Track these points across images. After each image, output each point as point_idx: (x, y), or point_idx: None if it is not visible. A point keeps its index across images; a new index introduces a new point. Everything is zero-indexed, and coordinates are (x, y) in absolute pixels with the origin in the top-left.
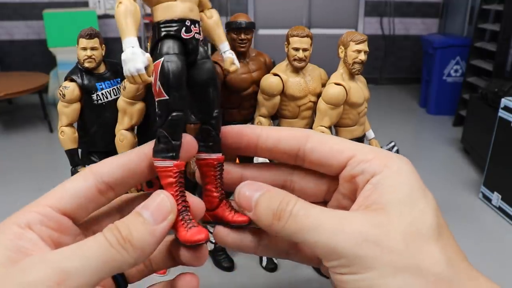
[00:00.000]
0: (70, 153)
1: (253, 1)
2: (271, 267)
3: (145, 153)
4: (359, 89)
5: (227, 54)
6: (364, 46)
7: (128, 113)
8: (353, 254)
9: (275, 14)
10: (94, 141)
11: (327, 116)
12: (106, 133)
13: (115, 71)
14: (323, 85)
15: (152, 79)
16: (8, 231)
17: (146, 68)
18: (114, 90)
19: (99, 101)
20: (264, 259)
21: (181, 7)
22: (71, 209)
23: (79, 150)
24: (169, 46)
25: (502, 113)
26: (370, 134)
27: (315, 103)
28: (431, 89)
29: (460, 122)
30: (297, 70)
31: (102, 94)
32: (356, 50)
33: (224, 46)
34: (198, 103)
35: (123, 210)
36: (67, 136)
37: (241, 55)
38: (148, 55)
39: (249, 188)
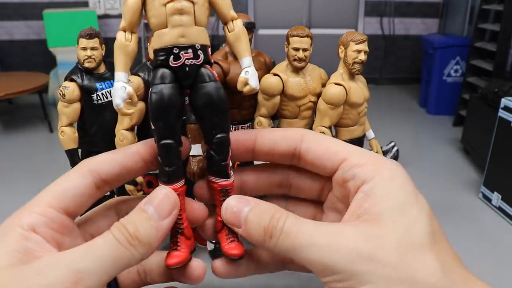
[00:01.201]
0: (70, 153)
1: (253, 1)
2: None
3: (140, 152)
4: (359, 89)
5: (242, 74)
6: (364, 46)
7: None
8: (347, 270)
9: (275, 14)
10: (94, 141)
11: (327, 116)
12: (106, 133)
13: None
14: (323, 85)
15: (130, 111)
16: (13, 232)
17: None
18: None
19: (99, 101)
20: None
21: (169, 35)
22: (72, 208)
23: (79, 150)
24: (158, 75)
25: (502, 113)
26: (370, 134)
27: (315, 103)
28: (431, 89)
29: (460, 122)
30: (297, 70)
31: (102, 94)
32: (356, 50)
33: (243, 62)
34: (201, 126)
35: (119, 210)
36: (67, 136)
37: None
38: (129, 89)
39: (237, 202)
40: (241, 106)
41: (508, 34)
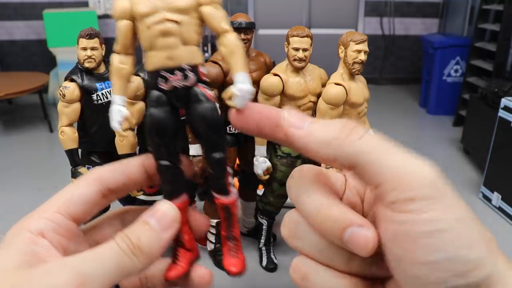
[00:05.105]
0: (71, 153)
1: (253, 1)
2: (271, 267)
3: (144, 165)
4: (359, 89)
5: (231, 88)
6: (364, 46)
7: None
8: (438, 186)
9: (275, 14)
10: (94, 141)
11: (327, 116)
12: (106, 133)
13: None
14: (323, 85)
15: (127, 133)
16: (22, 236)
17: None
18: None
19: (99, 101)
20: (264, 259)
21: (156, 57)
22: (78, 214)
23: (79, 150)
24: (150, 98)
25: (502, 113)
26: None
27: (315, 103)
28: (431, 89)
29: (460, 122)
30: (297, 70)
31: (102, 94)
32: (356, 50)
33: (235, 78)
34: (200, 144)
35: (125, 220)
36: (67, 136)
37: None
38: (124, 112)
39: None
40: None
41: (508, 34)
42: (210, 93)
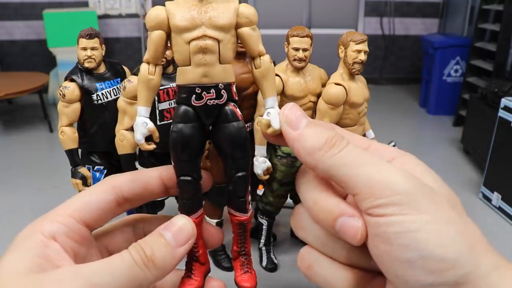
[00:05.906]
0: (71, 153)
1: (253, 1)
2: (271, 267)
3: (162, 177)
4: (359, 89)
5: (264, 115)
6: (364, 46)
7: (128, 113)
8: (412, 192)
9: (275, 14)
10: (94, 141)
11: (327, 116)
12: (106, 133)
13: (115, 71)
14: (323, 85)
15: (151, 147)
16: (35, 238)
17: (152, 133)
18: (114, 90)
19: (99, 101)
20: (264, 259)
21: (192, 73)
22: (92, 220)
23: (79, 150)
24: (179, 113)
25: (502, 113)
26: (370, 134)
27: (315, 103)
28: (431, 89)
29: (460, 122)
30: (297, 70)
31: (102, 94)
32: (356, 50)
33: (267, 103)
34: (222, 160)
35: (137, 227)
36: (67, 136)
37: (241, 55)
38: (150, 125)
39: (301, 111)
40: (241, 106)
41: (508, 34)
42: (239, 111)
